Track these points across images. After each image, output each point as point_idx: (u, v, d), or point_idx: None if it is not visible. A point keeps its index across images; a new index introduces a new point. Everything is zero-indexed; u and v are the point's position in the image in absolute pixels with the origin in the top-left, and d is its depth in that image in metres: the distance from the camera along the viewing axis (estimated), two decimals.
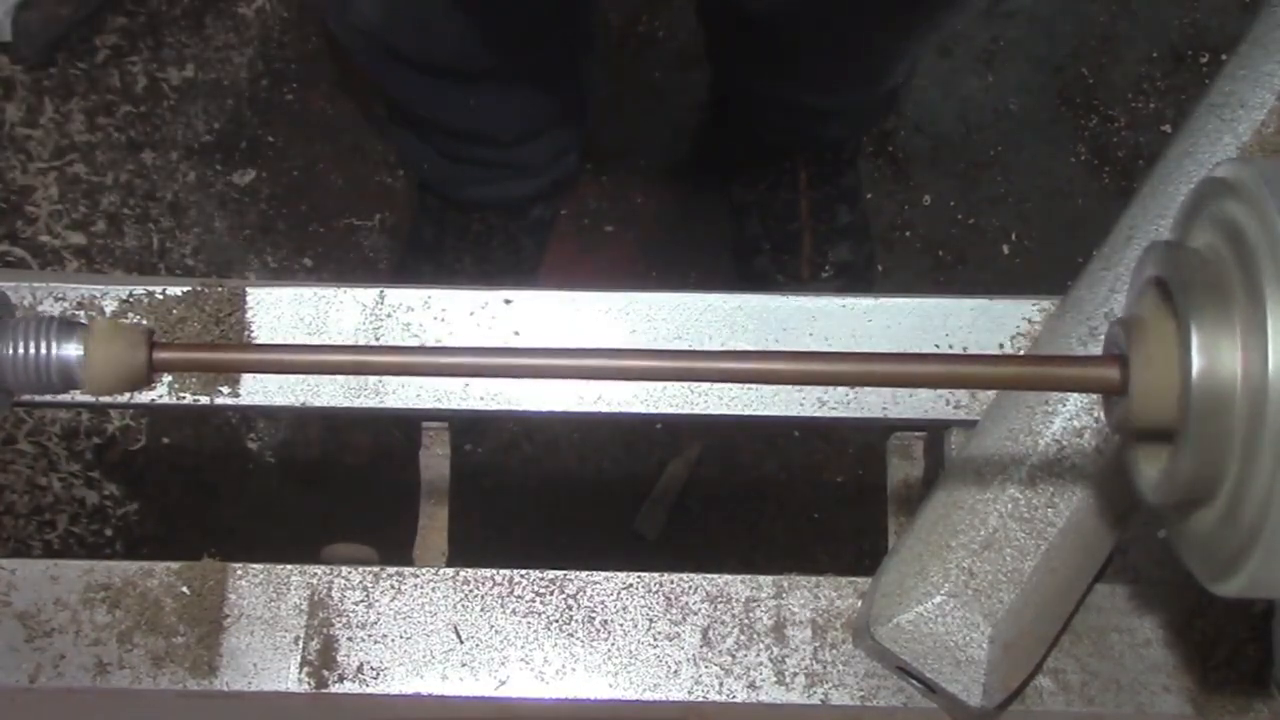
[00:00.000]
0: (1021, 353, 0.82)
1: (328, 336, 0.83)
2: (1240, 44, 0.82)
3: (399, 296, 0.83)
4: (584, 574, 0.80)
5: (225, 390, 0.82)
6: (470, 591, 0.80)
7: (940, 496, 0.76)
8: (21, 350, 0.58)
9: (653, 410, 0.83)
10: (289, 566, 0.81)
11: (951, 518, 0.75)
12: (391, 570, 0.81)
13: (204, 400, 0.82)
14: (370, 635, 0.79)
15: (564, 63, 1.61)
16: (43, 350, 0.58)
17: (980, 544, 0.74)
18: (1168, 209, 0.78)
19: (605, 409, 0.83)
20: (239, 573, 0.80)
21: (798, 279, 1.86)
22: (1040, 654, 0.76)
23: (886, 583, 0.75)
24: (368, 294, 0.84)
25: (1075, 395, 0.75)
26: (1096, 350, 0.76)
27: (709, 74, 1.93)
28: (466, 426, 1.83)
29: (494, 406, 0.83)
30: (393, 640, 0.79)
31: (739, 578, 0.80)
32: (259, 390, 0.82)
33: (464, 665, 0.79)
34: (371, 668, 0.79)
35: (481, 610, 0.79)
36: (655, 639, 0.79)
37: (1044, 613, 0.75)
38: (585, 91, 1.71)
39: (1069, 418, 0.75)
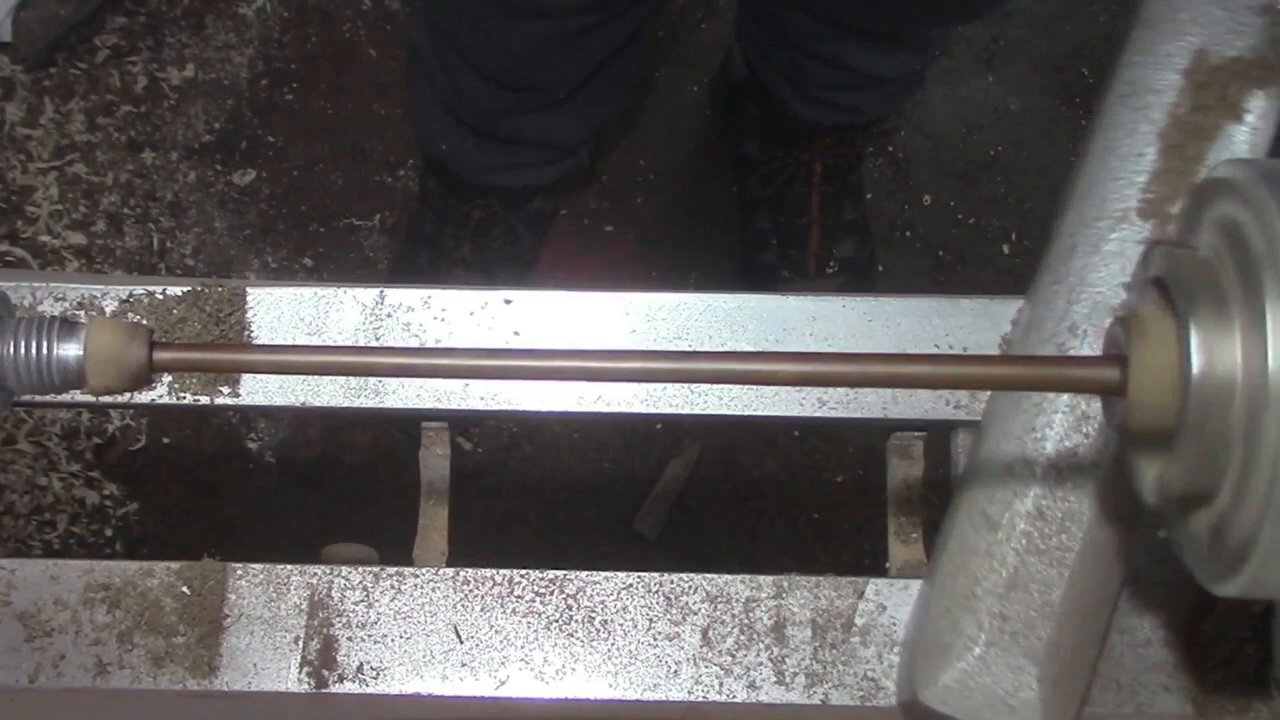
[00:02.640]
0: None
1: (328, 336, 0.83)
2: (1131, 29, 0.81)
3: (399, 296, 0.83)
4: (584, 574, 0.80)
5: (225, 390, 0.82)
6: (470, 591, 0.80)
7: (952, 545, 0.76)
8: (22, 350, 0.58)
9: (653, 410, 0.83)
10: (289, 566, 0.81)
11: (969, 565, 0.74)
12: (391, 570, 0.81)
13: (204, 400, 0.82)
14: (370, 635, 0.79)
15: (637, 33, 1.58)
16: (43, 350, 0.58)
17: (1005, 586, 0.73)
18: (1104, 210, 0.78)
19: (605, 409, 0.83)
20: (239, 573, 0.80)
21: (804, 274, 1.86)
22: (1088, 677, 0.76)
23: (922, 644, 0.75)
24: (368, 294, 0.83)
25: (1060, 416, 0.75)
26: None
27: (740, 52, 1.90)
28: (467, 421, 1.83)
29: (494, 406, 0.83)
30: (393, 640, 0.79)
31: (739, 578, 0.80)
32: (259, 390, 0.82)
33: (464, 665, 0.79)
34: (371, 668, 0.79)
35: (481, 610, 0.79)
36: (655, 639, 0.79)
37: (1082, 637, 0.74)
38: (631, 83, 1.69)
39: (1059, 440, 0.74)
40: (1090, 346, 0.75)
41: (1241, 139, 0.78)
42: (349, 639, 0.79)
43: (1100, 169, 0.79)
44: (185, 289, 0.83)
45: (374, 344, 0.82)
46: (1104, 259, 0.76)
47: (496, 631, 0.79)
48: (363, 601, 0.80)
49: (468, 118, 1.67)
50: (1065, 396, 0.74)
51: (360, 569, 0.81)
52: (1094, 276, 0.76)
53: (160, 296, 0.83)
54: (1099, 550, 0.74)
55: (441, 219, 1.83)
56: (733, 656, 0.78)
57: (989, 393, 0.82)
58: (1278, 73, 0.79)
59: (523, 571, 0.80)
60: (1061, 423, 0.74)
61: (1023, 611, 0.73)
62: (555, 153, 1.74)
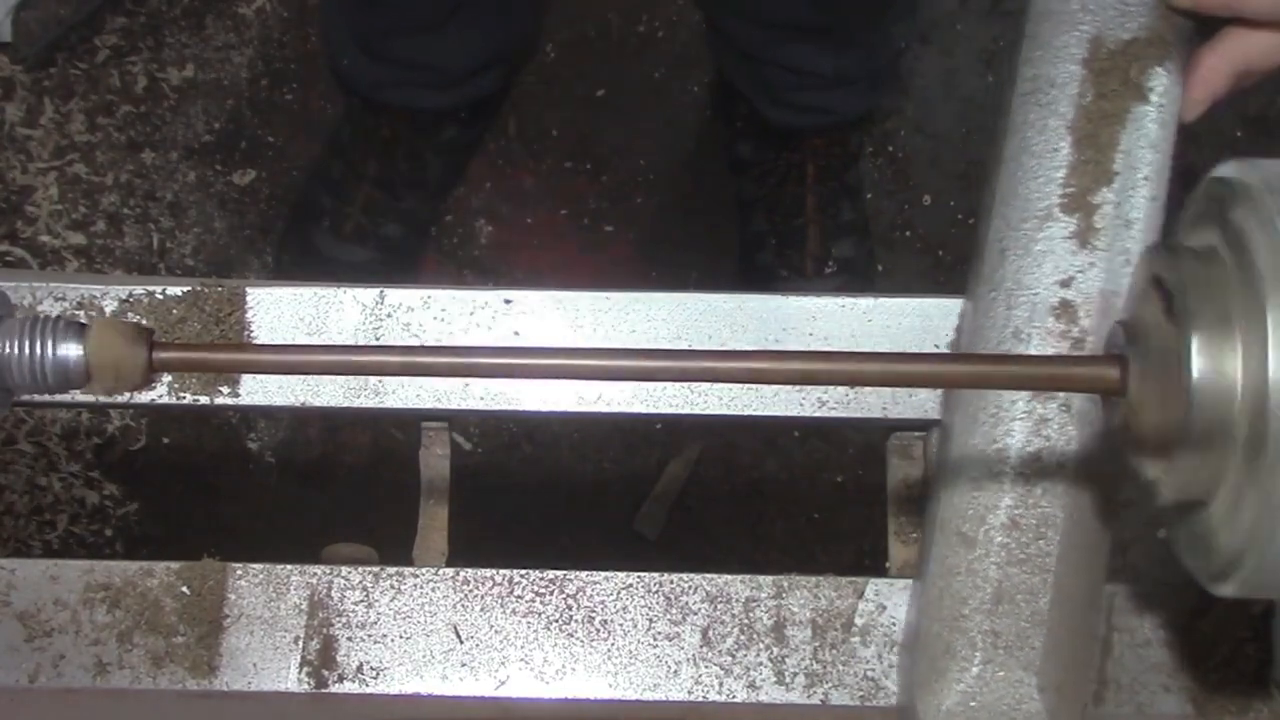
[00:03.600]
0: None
1: (328, 336, 0.83)
2: (1025, 25, 0.81)
3: (399, 296, 0.83)
4: (584, 574, 0.80)
5: (225, 390, 0.82)
6: (470, 591, 0.80)
7: (934, 568, 0.75)
8: (22, 350, 0.58)
9: (653, 410, 0.83)
10: (289, 566, 0.81)
11: (953, 586, 0.74)
12: (391, 570, 0.81)
13: (204, 400, 0.82)
14: (370, 635, 0.79)
15: None
16: (43, 350, 0.58)
17: (991, 601, 0.73)
18: (1029, 211, 0.77)
19: (605, 409, 0.83)
20: (239, 573, 0.80)
21: (802, 274, 1.86)
22: (1091, 675, 0.75)
23: (919, 673, 0.74)
24: (368, 294, 0.83)
25: (1019, 424, 0.74)
26: None
27: (712, 61, 1.93)
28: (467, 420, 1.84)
29: (494, 406, 0.83)
30: (393, 640, 0.79)
31: (739, 578, 0.80)
32: (259, 390, 0.82)
33: (464, 665, 0.79)
34: (371, 668, 0.79)
35: (481, 610, 0.79)
36: (655, 639, 0.79)
37: (1077, 639, 0.74)
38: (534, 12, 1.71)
39: (1021, 447, 0.74)
40: (1036, 350, 0.75)
41: (1151, 118, 0.78)
42: (349, 639, 0.79)
43: (1018, 170, 0.79)
44: (185, 289, 0.83)
45: (374, 344, 0.82)
46: (1035, 260, 0.76)
47: (496, 631, 0.79)
48: (363, 601, 0.80)
49: (354, 34, 1.72)
50: (1021, 403, 0.74)
51: (360, 569, 0.81)
52: (1028, 279, 0.76)
53: (160, 296, 0.83)
54: (1079, 550, 0.74)
55: (354, 133, 1.86)
56: (733, 656, 0.78)
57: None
58: (1174, 46, 0.79)
59: (523, 571, 0.80)
60: (1021, 429, 0.74)
61: (1013, 624, 0.73)
62: (441, 76, 1.76)
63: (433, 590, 0.80)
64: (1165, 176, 0.80)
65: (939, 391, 0.82)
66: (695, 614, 0.79)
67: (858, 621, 0.79)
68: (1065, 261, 0.75)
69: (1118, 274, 0.75)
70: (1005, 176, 0.79)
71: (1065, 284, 0.75)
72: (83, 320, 0.59)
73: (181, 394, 0.82)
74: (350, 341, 0.83)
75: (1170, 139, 0.80)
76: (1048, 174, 0.77)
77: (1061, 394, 0.74)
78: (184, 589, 0.79)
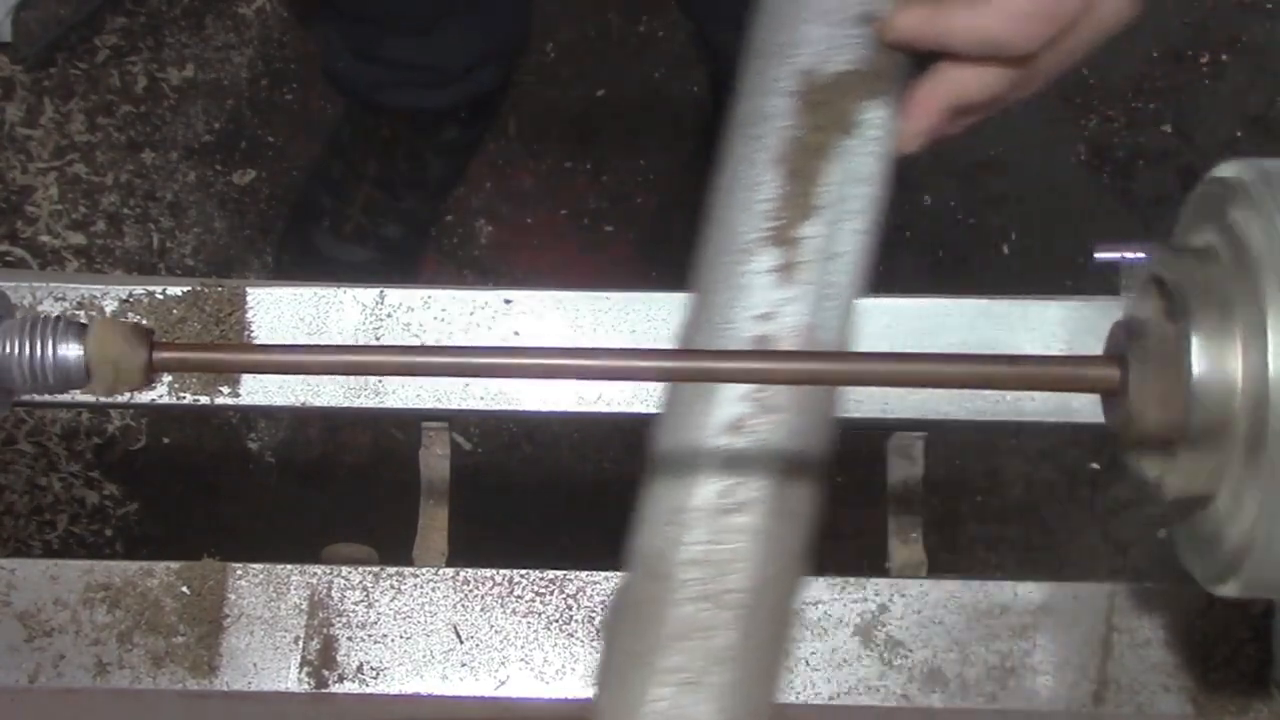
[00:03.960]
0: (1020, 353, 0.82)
1: (328, 336, 0.83)
2: (744, 59, 0.79)
3: (399, 296, 0.83)
4: (584, 574, 0.80)
5: (225, 390, 0.82)
6: (470, 591, 0.80)
7: (624, 601, 0.73)
8: (22, 350, 0.58)
9: (653, 410, 0.83)
10: (289, 566, 0.81)
11: (641, 620, 0.71)
12: (391, 570, 0.81)
13: (204, 400, 0.82)
14: (370, 635, 0.79)
15: None
16: (43, 350, 0.58)
17: (677, 636, 0.70)
18: (733, 245, 0.75)
19: (605, 409, 0.83)
20: (239, 573, 0.80)
21: None
22: (769, 711, 0.72)
23: (603, 707, 0.71)
24: (368, 294, 0.84)
25: (710, 461, 0.72)
26: None
27: (705, 70, 1.93)
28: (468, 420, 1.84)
29: (494, 406, 0.83)
30: (393, 640, 0.79)
31: None
32: (259, 390, 0.82)
33: (464, 665, 0.79)
34: (371, 668, 0.79)
35: (481, 610, 0.79)
36: None
37: (763, 675, 0.71)
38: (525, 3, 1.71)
39: (713, 482, 0.71)
40: (729, 399, 0.71)
41: (862, 151, 0.76)
42: (349, 639, 0.79)
43: (727, 203, 0.77)
44: (185, 289, 0.83)
45: (374, 344, 0.82)
46: (736, 294, 0.73)
47: (496, 631, 0.79)
48: (363, 601, 0.80)
49: (346, 41, 1.72)
50: (722, 440, 0.72)
51: (360, 569, 0.81)
52: (730, 313, 0.73)
53: (160, 296, 0.83)
54: (767, 587, 0.71)
55: (354, 133, 1.86)
56: None
57: (987, 392, 0.81)
58: (890, 79, 0.78)
59: (523, 571, 0.80)
60: (714, 463, 0.72)
61: (698, 660, 0.69)
62: (438, 75, 1.76)
63: (433, 590, 0.80)
64: (878, 209, 0.78)
65: (940, 391, 0.82)
66: None
67: (857, 621, 0.79)
68: (766, 296, 0.73)
69: (821, 308, 0.73)
70: (716, 209, 0.78)
71: (765, 318, 0.72)
72: (83, 320, 0.59)
73: (181, 394, 0.82)
74: (350, 341, 0.83)
75: (884, 172, 0.78)
76: (755, 207, 0.75)
77: (754, 427, 0.72)
78: (184, 589, 0.79)
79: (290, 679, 0.79)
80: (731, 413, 0.72)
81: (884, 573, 0.84)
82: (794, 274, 0.73)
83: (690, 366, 0.60)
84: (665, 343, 0.83)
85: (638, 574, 0.72)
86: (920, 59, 0.78)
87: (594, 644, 0.79)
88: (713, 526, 0.71)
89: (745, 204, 0.75)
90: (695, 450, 0.72)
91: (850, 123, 0.76)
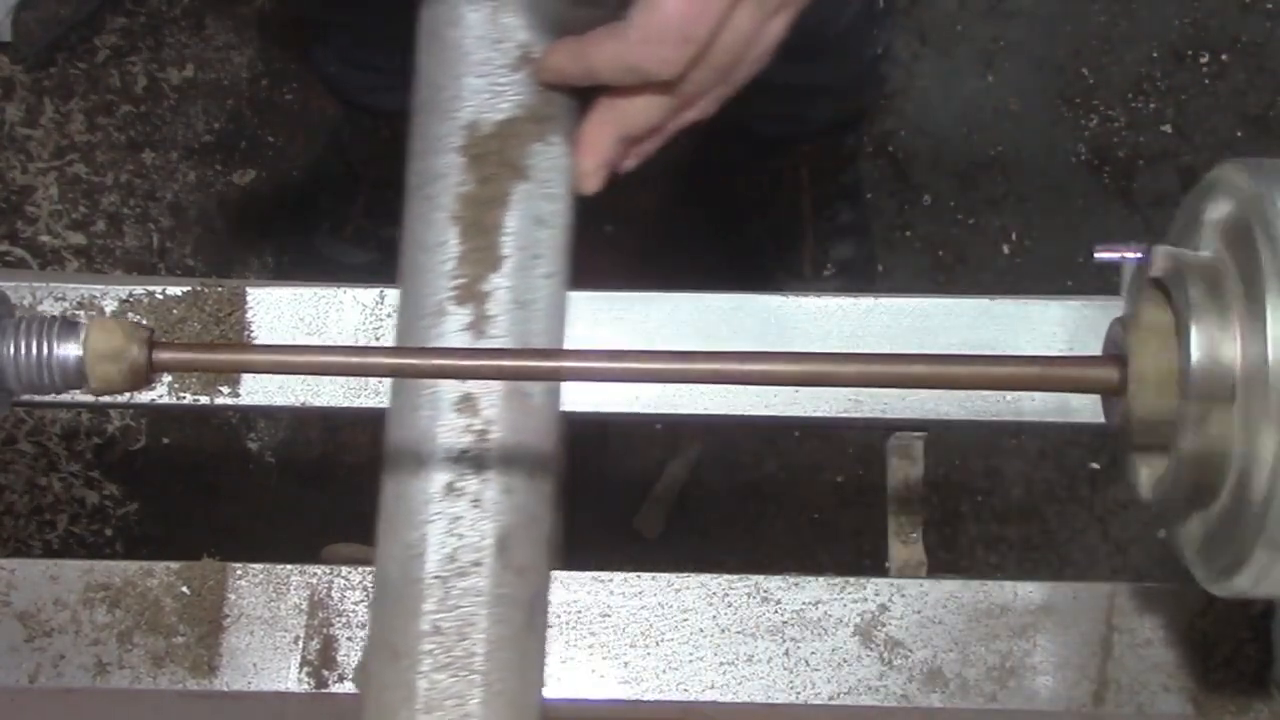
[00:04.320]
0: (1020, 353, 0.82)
1: (328, 336, 0.83)
2: (412, 116, 0.80)
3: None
4: (584, 574, 0.80)
5: (225, 390, 0.82)
6: None
7: (367, 682, 0.74)
8: (22, 350, 0.58)
9: (653, 410, 0.83)
10: (289, 566, 0.81)
11: (385, 700, 0.71)
12: None
13: (204, 400, 0.82)
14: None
15: None
16: (43, 350, 0.58)
17: (422, 710, 0.70)
18: (423, 308, 0.75)
19: (605, 409, 0.83)
20: (239, 573, 0.80)
21: (799, 277, 1.86)
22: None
23: None
24: (368, 294, 0.84)
25: (435, 525, 0.72)
26: None
27: None
28: None
29: None
30: None
31: (738, 578, 0.80)
32: (259, 390, 0.82)
33: None
34: None
35: None
36: (655, 639, 0.79)
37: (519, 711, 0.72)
38: None
39: (438, 548, 0.72)
40: (444, 447, 0.72)
41: (537, 195, 0.77)
42: (349, 639, 0.79)
43: (412, 266, 0.77)
44: (185, 289, 0.83)
45: (374, 344, 0.82)
46: None
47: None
48: (363, 601, 0.80)
49: (334, 49, 1.72)
50: (434, 503, 0.72)
51: (360, 569, 0.81)
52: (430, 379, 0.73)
53: (160, 296, 0.83)
54: (504, 646, 0.72)
55: (354, 134, 1.85)
56: (733, 656, 0.78)
57: (987, 393, 0.81)
58: (556, 119, 0.78)
59: None
60: (436, 531, 0.72)
61: None
62: None
63: None
64: (563, 250, 0.78)
65: (939, 392, 0.82)
66: (695, 614, 0.79)
67: (857, 621, 0.79)
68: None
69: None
70: (402, 273, 0.78)
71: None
72: (82, 320, 0.59)
73: (181, 394, 0.82)
74: (350, 341, 0.82)
75: (564, 212, 0.78)
76: (438, 268, 0.75)
77: (476, 491, 0.72)
78: (184, 589, 0.79)
79: (290, 679, 0.79)
80: (444, 478, 0.72)
81: (884, 573, 0.84)
82: (486, 328, 0.74)
83: (691, 368, 0.60)
84: (665, 343, 0.83)
85: (380, 657, 0.72)
86: (583, 95, 0.79)
87: (593, 643, 0.79)
88: (442, 596, 0.71)
89: (429, 265, 0.76)
90: (416, 519, 0.73)
91: (521, 169, 0.77)
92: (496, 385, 0.73)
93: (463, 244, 0.76)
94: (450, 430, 0.73)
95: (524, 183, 0.77)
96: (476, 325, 0.74)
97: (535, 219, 0.77)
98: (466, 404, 0.73)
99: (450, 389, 0.73)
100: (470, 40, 0.79)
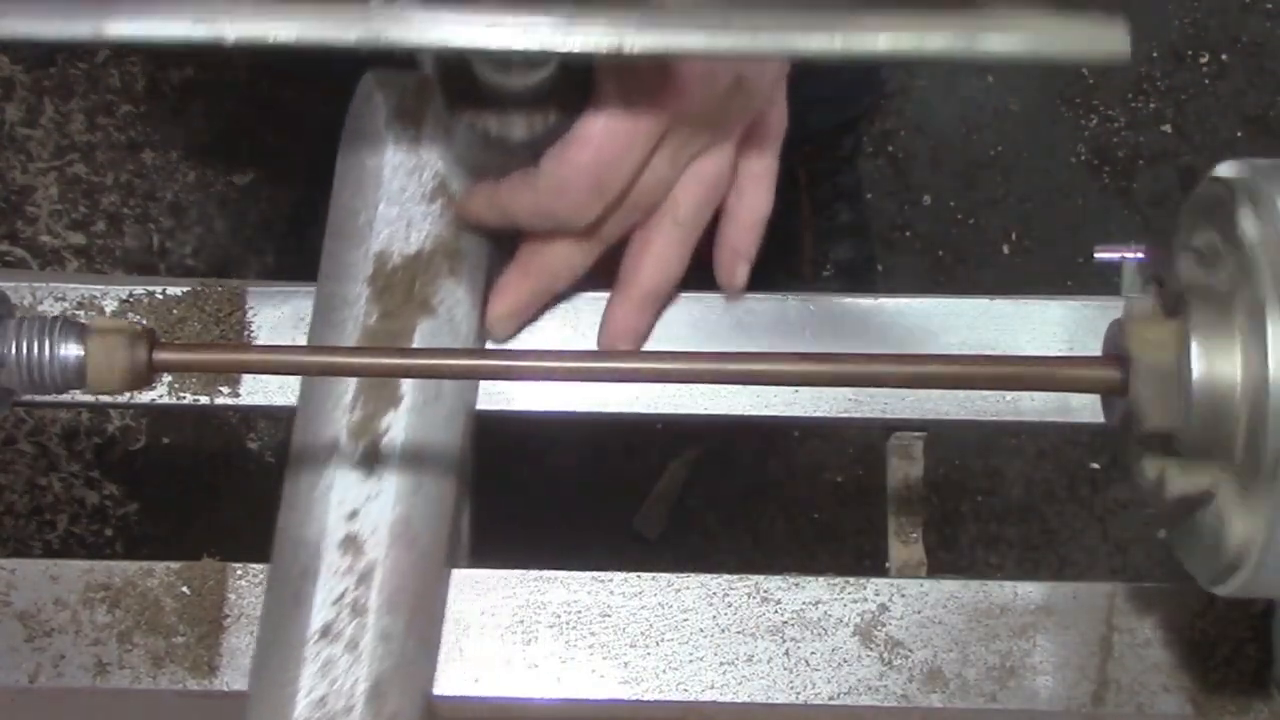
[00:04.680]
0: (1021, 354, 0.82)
1: None
2: (325, 241, 0.79)
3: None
4: (584, 574, 0.80)
5: (225, 390, 0.82)
6: (469, 591, 0.80)
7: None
8: (22, 350, 0.58)
9: (653, 410, 0.83)
10: None
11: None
12: None
13: (204, 400, 0.82)
14: None
15: None
16: (43, 350, 0.58)
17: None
18: (318, 442, 0.74)
19: (605, 409, 0.83)
20: (239, 573, 0.80)
21: (798, 278, 1.86)
22: None
23: None
24: None
25: (304, 697, 0.71)
26: None
27: None
28: None
29: (494, 406, 0.83)
30: None
31: (738, 577, 0.80)
32: (259, 390, 0.82)
33: (463, 665, 0.79)
34: None
35: (480, 610, 0.79)
36: (655, 639, 0.79)
37: None
38: None
39: (307, 693, 0.71)
40: (324, 589, 0.71)
41: (442, 332, 0.75)
42: None
43: (310, 395, 0.76)
44: (185, 289, 0.83)
45: (374, 345, 0.82)
46: (323, 492, 0.72)
47: (496, 631, 0.79)
48: None
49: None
50: (310, 646, 0.71)
51: None
52: (317, 511, 0.72)
53: (160, 296, 0.83)
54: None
55: None
56: (733, 656, 0.78)
57: (987, 393, 0.81)
58: (467, 255, 0.77)
59: (522, 571, 0.80)
60: (309, 673, 0.71)
61: None
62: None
63: None
64: (464, 391, 0.77)
65: (939, 391, 0.82)
66: (695, 614, 0.79)
67: (857, 621, 0.79)
68: (353, 492, 0.72)
69: (406, 499, 0.73)
70: (302, 400, 0.77)
71: (351, 516, 0.72)
72: (83, 320, 0.59)
73: (181, 394, 0.82)
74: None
75: (468, 346, 0.77)
76: (336, 400, 0.74)
77: (352, 636, 0.71)
78: (184, 589, 0.79)
79: None
80: (322, 618, 0.71)
81: (884, 573, 0.84)
82: (379, 467, 0.73)
83: (690, 367, 0.60)
84: (665, 343, 0.83)
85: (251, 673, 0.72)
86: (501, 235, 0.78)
87: (593, 643, 0.79)
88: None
89: (326, 397, 0.74)
90: (291, 657, 0.72)
91: (429, 305, 0.75)
92: (384, 529, 0.72)
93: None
94: (333, 572, 0.72)
95: (430, 319, 0.75)
96: (369, 462, 0.73)
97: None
98: (351, 545, 0.72)
99: (336, 528, 0.72)
100: (388, 168, 0.77)
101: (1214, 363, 0.55)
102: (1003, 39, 0.59)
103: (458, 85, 0.70)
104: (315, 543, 0.72)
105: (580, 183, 0.72)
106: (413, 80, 0.79)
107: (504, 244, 0.80)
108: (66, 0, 0.58)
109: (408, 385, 0.74)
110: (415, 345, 0.74)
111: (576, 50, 0.59)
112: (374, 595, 0.72)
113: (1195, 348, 0.55)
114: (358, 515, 0.72)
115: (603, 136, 0.71)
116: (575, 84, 0.70)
